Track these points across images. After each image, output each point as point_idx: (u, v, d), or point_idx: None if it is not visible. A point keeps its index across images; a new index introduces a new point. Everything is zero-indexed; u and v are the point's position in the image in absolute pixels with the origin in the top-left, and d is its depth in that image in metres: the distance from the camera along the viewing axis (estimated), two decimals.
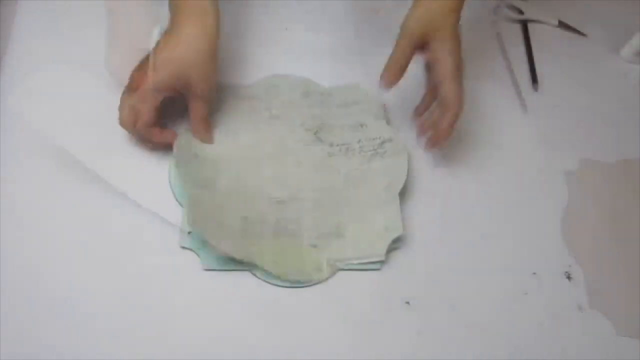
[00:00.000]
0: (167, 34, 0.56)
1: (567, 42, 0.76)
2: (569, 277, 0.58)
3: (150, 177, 0.59)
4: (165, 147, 0.59)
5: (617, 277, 0.58)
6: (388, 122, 0.64)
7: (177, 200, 0.57)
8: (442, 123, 0.58)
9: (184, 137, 0.59)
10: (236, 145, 0.61)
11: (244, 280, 0.54)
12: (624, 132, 0.69)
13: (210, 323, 0.52)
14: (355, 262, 0.55)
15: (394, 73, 0.59)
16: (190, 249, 0.55)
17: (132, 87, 0.56)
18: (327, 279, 0.55)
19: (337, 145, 0.62)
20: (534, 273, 0.58)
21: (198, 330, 0.51)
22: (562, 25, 0.77)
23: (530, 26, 0.77)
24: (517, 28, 0.77)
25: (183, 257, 0.55)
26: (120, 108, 0.56)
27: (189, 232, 0.55)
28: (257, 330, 0.52)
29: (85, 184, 0.57)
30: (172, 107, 0.59)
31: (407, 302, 0.55)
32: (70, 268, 0.53)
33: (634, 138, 0.69)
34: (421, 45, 0.58)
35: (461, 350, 0.53)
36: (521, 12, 0.77)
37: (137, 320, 0.51)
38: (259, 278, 0.54)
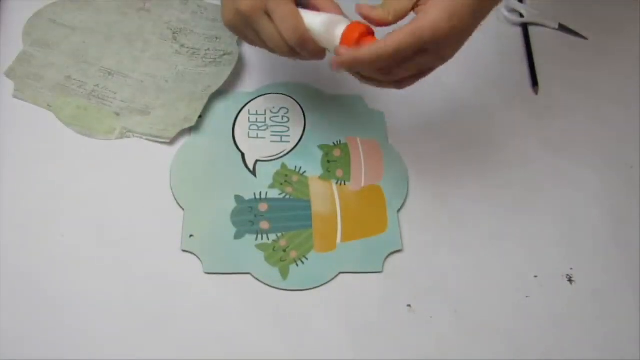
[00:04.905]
0: None
1: (567, 45, 0.77)
2: (570, 280, 0.58)
3: (151, 179, 0.59)
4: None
5: (618, 280, 0.58)
6: (238, 40, 0.68)
7: (177, 203, 0.57)
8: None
9: None
10: (95, 18, 0.68)
11: (245, 283, 0.54)
12: (624, 134, 0.69)
13: (212, 326, 0.52)
14: (144, 137, 0.61)
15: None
16: (192, 253, 0.55)
17: None
18: (113, 139, 0.60)
19: (187, 48, 0.68)
20: (536, 276, 0.58)
21: (199, 334, 0.51)
22: (563, 28, 0.78)
23: (530, 29, 0.77)
24: (518, 31, 0.77)
25: (184, 261, 0.55)
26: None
27: (191, 236, 0.55)
28: (259, 334, 0.52)
29: (85, 186, 0.58)
30: None
31: (409, 305, 0.55)
32: (71, 271, 0.53)
33: (635, 140, 0.69)
34: None
35: (463, 353, 0.53)
36: (521, 15, 0.77)
37: (138, 324, 0.51)
38: (261, 281, 0.54)
